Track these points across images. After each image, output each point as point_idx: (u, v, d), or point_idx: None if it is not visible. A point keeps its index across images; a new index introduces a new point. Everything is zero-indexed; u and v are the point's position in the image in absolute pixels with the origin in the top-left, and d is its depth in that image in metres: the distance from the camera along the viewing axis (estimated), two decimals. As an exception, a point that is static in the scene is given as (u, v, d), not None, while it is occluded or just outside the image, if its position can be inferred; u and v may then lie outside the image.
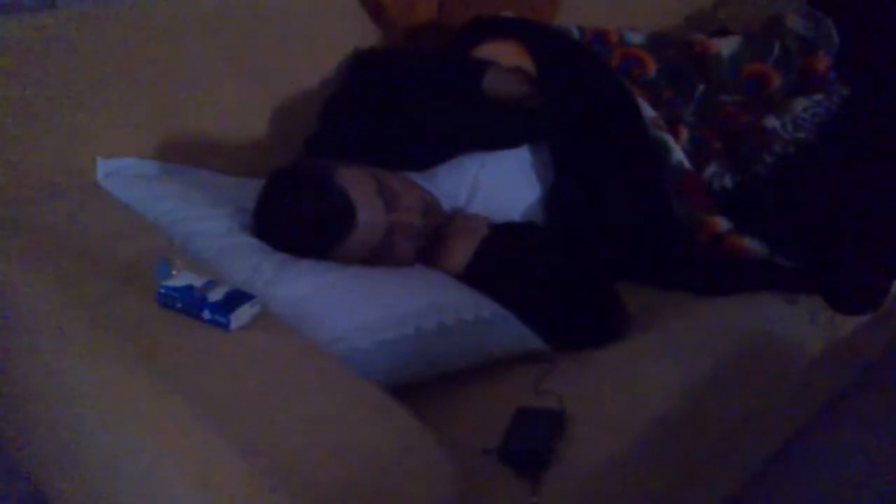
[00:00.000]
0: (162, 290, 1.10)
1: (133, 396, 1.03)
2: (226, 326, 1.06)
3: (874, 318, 1.62)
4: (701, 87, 1.93)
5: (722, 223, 1.56)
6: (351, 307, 1.22)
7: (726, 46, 2.01)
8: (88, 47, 1.46)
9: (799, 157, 1.71)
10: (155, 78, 1.53)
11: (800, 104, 1.84)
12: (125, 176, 1.45)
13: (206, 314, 1.07)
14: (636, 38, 2.03)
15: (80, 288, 1.14)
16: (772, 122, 1.78)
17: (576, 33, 1.98)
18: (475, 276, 1.38)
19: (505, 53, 1.66)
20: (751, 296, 1.48)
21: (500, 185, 1.55)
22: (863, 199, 1.59)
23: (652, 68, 1.95)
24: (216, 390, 0.98)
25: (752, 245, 1.52)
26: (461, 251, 1.40)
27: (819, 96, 1.86)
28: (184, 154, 1.55)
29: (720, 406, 1.35)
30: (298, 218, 1.31)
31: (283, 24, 1.69)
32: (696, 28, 2.31)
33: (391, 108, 1.55)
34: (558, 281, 1.40)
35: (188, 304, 1.08)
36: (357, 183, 1.32)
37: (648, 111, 1.73)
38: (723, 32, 2.14)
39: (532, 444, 1.12)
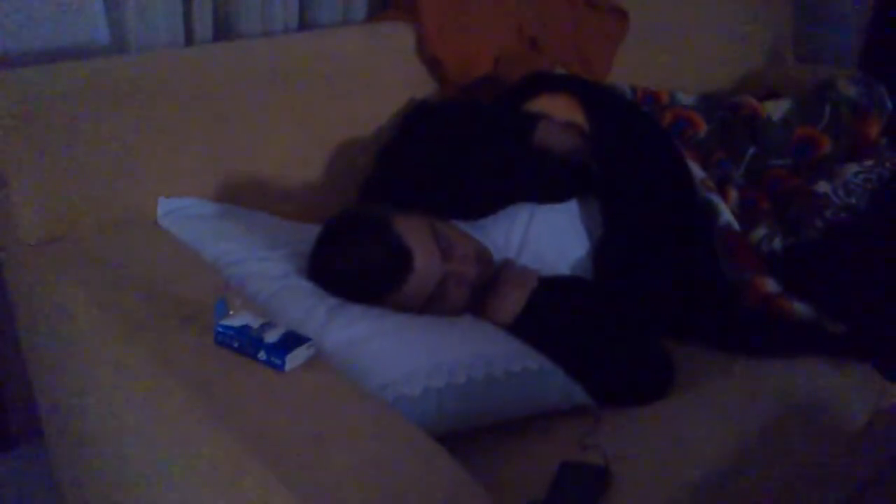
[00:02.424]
0: (220, 329, 1.12)
1: (190, 434, 1.05)
2: (281, 368, 1.08)
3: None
4: (751, 149, 1.93)
5: (771, 285, 1.56)
6: (402, 354, 1.24)
7: (776, 109, 2.02)
8: (154, 90, 1.50)
9: (850, 222, 1.70)
10: (216, 121, 1.57)
11: (851, 169, 1.84)
12: (184, 216, 1.49)
13: (262, 355, 1.09)
14: (687, 100, 2.05)
15: (139, 324, 1.17)
16: (823, 186, 1.78)
17: (628, 92, 2.01)
18: (523, 328, 1.39)
19: (558, 108, 1.69)
20: (798, 359, 1.47)
21: (549, 237, 1.56)
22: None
23: (702, 129, 1.97)
24: (271, 431, 0.99)
25: (800, 308, 1.51)
26: (511, 302, 1.41)
27: (870, 162, 1.85)
28: (242, 196, 1.58)
29: (765, 470, 1.34)
30: (356, 264, 1.33)
31: (343, 71, 1.72)
32: (746, 90, 2.32)
33: (445, 158, 1.58)
34: (606, 336, 1.41)
35: (245, 343, 1.11)
36: (414, 231, 1.35)
37: (698, 172, 1.74)
38: (773, 95, 2.15)
39: (575, 499, 1.12)
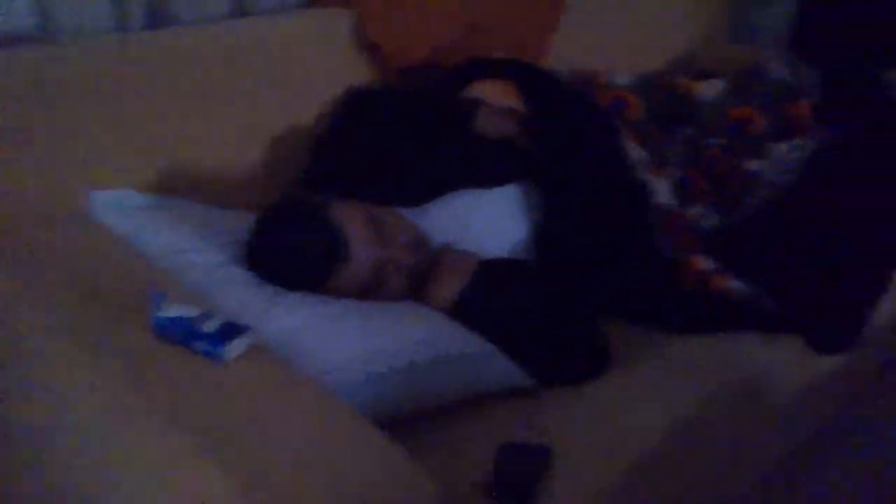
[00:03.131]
0: (157, 321, 1.11)
1: (127, 427, 1.03)
2: (220, 358, 1.07)
3: (852, 356, 1.65)
4: (687, 129, 1.96)
5: (706, 263, 1.58)
6: (342, 340, 1.24)
7: (711, 90, 2.05)
8: (83, 80, 1.48)
9: (782, 199, 1.74)
10: (149, 111, 1.54)
11: (783, 147, 1.87)
12: (119, 208, 1.46)
13: (201, 345, 1.08)
14: (624, 80, 2.07)
15: (74, 319, 1.15)
16: (756, 164, 1.82)
17: (565, 75, 2.02)
18: (464, 312, 1.40)
19: (496, 93, 1.70)
20: (733, 334, 1.51)
21: (489, 222, 1.57)
22: (842, 240, 1.63)
23: (638, 110, 1.99)
24: (211, 422, 0.99)
25: (735, 285, 1.54)
26: (450, 287, 1.42)
27: (802, 140, 1.89)
28: (177, 187, 1.56)
29: (704, 442, 1.37)
30: (292, 251, 1.33)
31: (278, 58, 1.71)
32: (681, 71, 2.35)
33: (384, 145, 1.58)
34: (545, 317, 1.42)
35: (183, 334, 1.09)
36: (351, 217, 1.35)
37: (635, 152, 1.76)
38: (707, 76, 2.18)
39: (519, 478, 1.14)
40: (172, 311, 1.12)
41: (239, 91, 1.66)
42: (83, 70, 1.49)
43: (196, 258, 1.36)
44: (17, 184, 1.39)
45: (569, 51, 2.20)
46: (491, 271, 1.45)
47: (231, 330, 1.10)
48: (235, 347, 1.09)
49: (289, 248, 1.34)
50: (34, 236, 1.35)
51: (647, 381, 1.38)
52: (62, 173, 1.45)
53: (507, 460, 1.16)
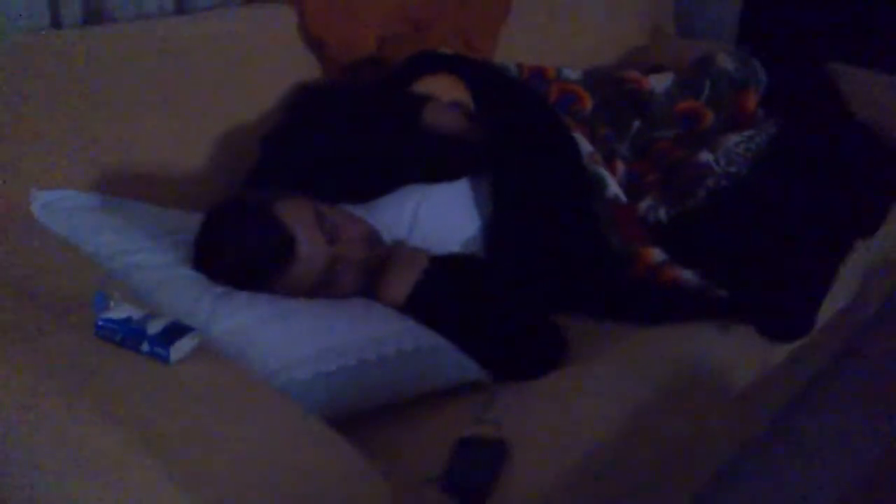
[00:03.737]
0: (100, 323, 1.08)
1: (71, 431, 1.01)
2: (165, 359, 1.05)
3: (804, 344, 1.67)
4: (636, 122, 1.97)
5: (657, 255, 1.59)
6: (290, 339, 1.22)
7: (660, 83, 2.07)
8: (20, 76, 1.44)
9: (731, 190, 1.76)
10: (92, 110, 1.51)
11: (732, 139, 1.89)
12: (61, 208, 1.43)
13: (146, 347, 1.06)
14: (573, 75, 2.08)
15: (14, 322, 1.12)
16: (705, 156, 1.83)
17: (514, 69, 2.02)
18: (416, 308, 1.38)
19: (444, 88, 1.69)
20: (685, 325, 1.51)
21: (440, 217, 1.56)
22: (791, 229, 1.65)
23: (588, 104, 2.00)
24: (156, 424, 0.97)
25: (686, 276, 1.55)
26: (402, 283, 1.40)
27: (750, 132, 1.91)
28: (122, 187, 1.54)
29: (658, 431, 1.37)
30: (237, 250, 1.31)
31: (223, 56, 1.69)
32: (630, 65, 2.36)
33: (332, 141, 1.56)
34: (497, 311, 1.42)
35: (127, 336, 1.07)
36: (297, 215, 1.33)
37: (585, 146, 1.76)
38: (656, 69, 2.19)
39: (474, 473, 1.13)
40: (116, 312, 1.10)
41: (182, 89, 1.63)
42: (18, 65, 1.45)
43: (141, 259, 1.34)
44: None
45: (517, 46, 2.20)
46: (442, 266, 1.44)
47: (176, 330, 1.08)
48: (181, 348, 1.07)
49: (235, 247, 1.31)
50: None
51: (600, 374, 1.38)
52: (4, 173, 1.41)
53: (462, 455, 1.15)
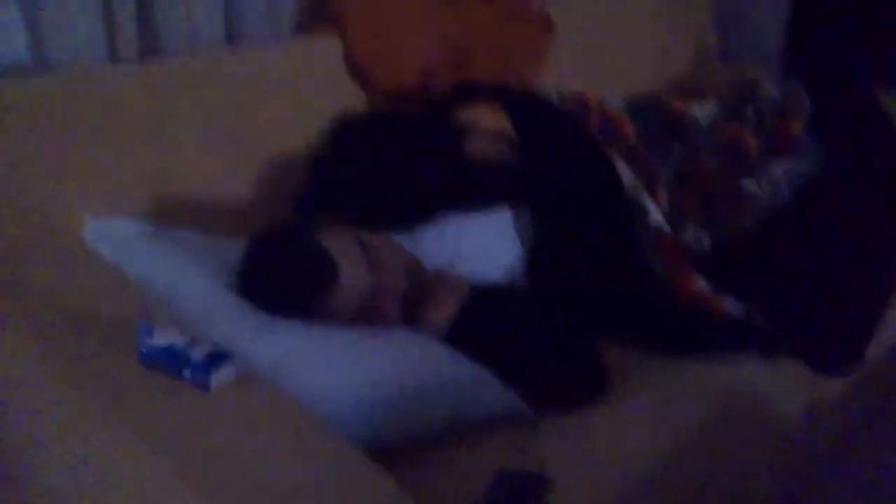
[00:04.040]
0: (143, 350, 1.09)
1: (114, 461, 1.02)
2: (206, 387, 1.06)
3: (856, 378, 1.63)
4: (679, 150, 1.96)
5: (701, 284, 1.57)
6: (331, 367, 1.22)
7: (702, 110, 2.05)
8: (76, 107, 1.48)
9: (776, 218, 1.73)
10: (143, 140, 1.54)
11: (776, 167, 1.87)
12: (111, 236, 1.46)
13: (187, 374, 1.07)
14: (615, 103, 2.07)
15: (60, 348, 1.13)
16: (749, 184, 1.81)
17: (556, 98, 2.01)
18: (457, 338, 1.38)
19: (486, 117, 1.69)
20: (730, 357, 1.49)
21: (481, 246, 1.56)
22: (838, 259, 1.62)
23: (630, 132, 1.98)
24: (198, 453, 0.97)
25: (730, 306, 1.53)
26: (443, 312, 1.40)
27: (794, 159, 1.89)
28: (170, 215, 1.56)
29: (703, 467, 1.35)
30: (281, 277, 1.32)
31: (268, 86, 1.71)
32: (673, 93, 2.35)
33: (373, 170, 1.57)
34: (540, 342, 1.41)
35: (169, 363, 1.08)
36: (340, 243, 1.33)
37: (627, 174, 1.75)
38: (698, 97, 2.18)
39: (513, 506, 1.12)
40: (160, 339, 1.11)
41: (231, 118, 1.66)
42: (78, 99, 1.49)
43: (187, 286, 1.35)
44: (11, 214, 1.39)
45: (560, 74, 2.20)
46: (483, 296, 1.44)
47: (218, 358, 1.09)
48: (222, 375, 1.07)
49: (279, 274, 1.32)
50: (27, 264, 1.34)
51: (644, 406, 1.36)
52: (57, 202, 1.45)
53: (501, 488, 1.14)
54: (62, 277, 1.31)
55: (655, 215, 1.68)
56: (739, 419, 1.44)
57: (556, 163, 1.63)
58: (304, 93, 1.76)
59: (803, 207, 1.76)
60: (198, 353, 1.08)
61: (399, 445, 1.19)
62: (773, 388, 1.50)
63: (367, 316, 1.35)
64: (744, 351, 1.49)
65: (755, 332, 1.50)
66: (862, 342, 1.57)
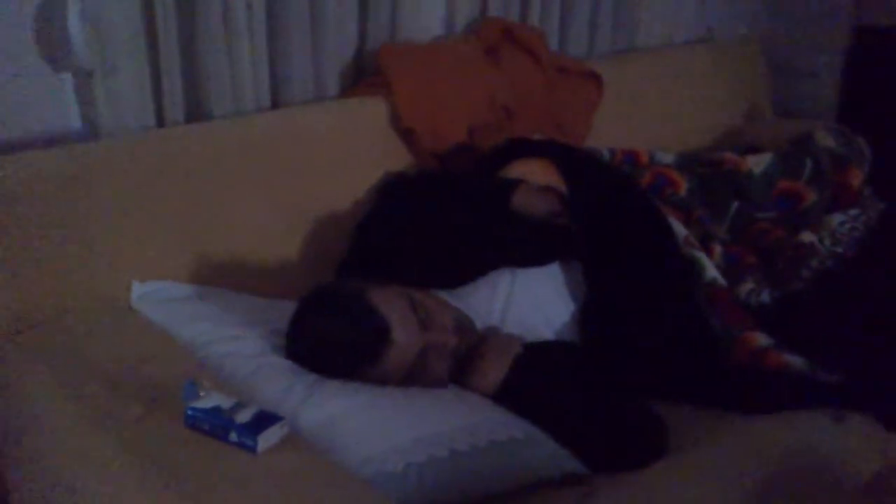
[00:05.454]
0: (189, 412, 1.09)
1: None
2: (253, 449, 1.04)
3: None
4: (735, 204, 1.92)
5: (762, 339, 1.53)
6: (382, 429, 1.20)
7: (758, 164, 2.02)
8: (125, 174, 1.50)
9: (837, 271, 1.68)
10: (189, 202, 1.56)
11: (836, 219, 1.83)
12: (158, 298, 1.47)
13: (233, 436, 1.05)
14: (666, 158, 2.05)
15: (107, 411, 1.13)
16: (808, 237, 1.77)
17: (606, 154, 2.00)
18: (509, 397, 1.35)
19: (534, 172, 1.68)
20: (795, 414, 1.43)
21: (532, 303, 1.53)
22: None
23: (682, 187, 1.96)
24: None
25: (793, 361, 1.48)
26: (494, 371, 1.37)
27: (855, 211, 1.85)
28: (217, 277, 1.57)
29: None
30: (332, 339, 1.30)
31: (316, 147, 1.72)
32: (726, 147, 2.32)
33: (422, 228, 1.56)
34: (595, 401, 1.37)
35: (215, 426, 1.07)
36: (390, 302, 1.31)
37: (680, 229, 1.72)
38: (753, 150, 2.15)
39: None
40: (205, 401, 1.10)
41: (277, 180, 1.67)
42: (124, 164, 1.51)
43: (234, 347, 1.35)
44: (60, 276, 1.41)
45: (610, 131, 2.18)
46: (535, 354, 1.41)
47: (265, 420, 1.08)
48: (268, 438, 1.06)
49: (329, 336, 1.31)
50: (74, 328, 1.36)
51: (705, 464, 1.30)
52: (105, 265, 1.46)
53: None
54: (108, 342, 1.31)
55: (710, 270, 1.65)
56: (805, 479, 1.37)
57: (607, 217, 1.60)
58: (350, 153, 1.77)
59: (866, 259, 1.72)
60: (244, 416, 1.07)
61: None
62: (841, 447, 1.43)
63: (417, 375, 1.32)
64: (809, 407, 1.43)
65: (822, 387, 1.45)
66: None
